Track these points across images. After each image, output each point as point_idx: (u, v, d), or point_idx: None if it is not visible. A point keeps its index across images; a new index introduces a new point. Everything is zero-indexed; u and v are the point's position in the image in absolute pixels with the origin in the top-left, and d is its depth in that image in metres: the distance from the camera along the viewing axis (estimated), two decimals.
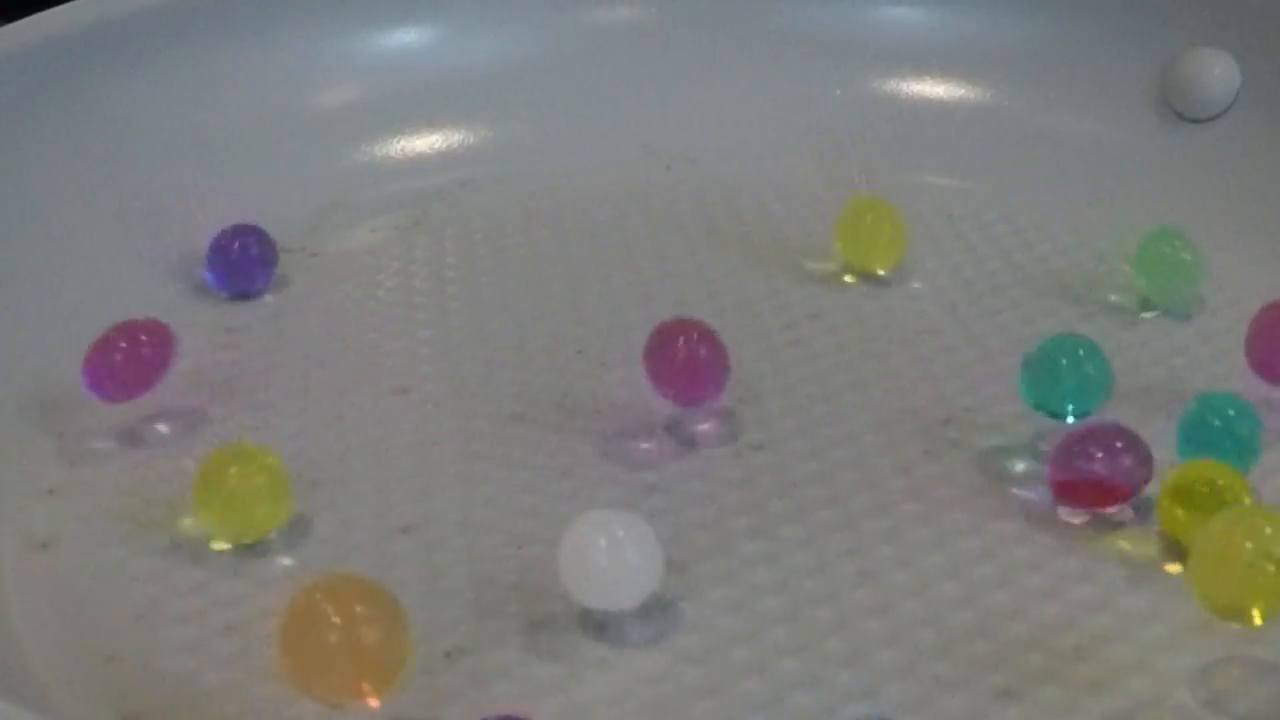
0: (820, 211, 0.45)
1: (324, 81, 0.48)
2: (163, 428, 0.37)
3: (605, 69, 0.50)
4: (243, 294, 0.42)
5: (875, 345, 0.40)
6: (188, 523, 0.34)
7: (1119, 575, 0.32)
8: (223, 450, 0.33)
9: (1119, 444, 0.33)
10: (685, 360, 0.36)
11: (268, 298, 0.42)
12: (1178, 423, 0.34)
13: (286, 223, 0.44)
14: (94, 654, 0.31)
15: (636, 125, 0.49)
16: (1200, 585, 0.30)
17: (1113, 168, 0.47)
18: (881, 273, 0.43)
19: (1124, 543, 0.33)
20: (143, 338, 0.36)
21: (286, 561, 0.33)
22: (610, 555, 0.30)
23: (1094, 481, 0.33)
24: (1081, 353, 0.36)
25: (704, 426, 0.37)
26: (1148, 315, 0.41)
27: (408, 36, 0.49)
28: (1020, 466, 0.35)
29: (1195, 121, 0.47)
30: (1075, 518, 0.34)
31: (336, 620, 0.27)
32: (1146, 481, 0.33)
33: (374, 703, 0.28)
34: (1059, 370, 0.35)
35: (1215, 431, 0.34)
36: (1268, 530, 0.29)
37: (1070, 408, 0.35)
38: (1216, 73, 0.47)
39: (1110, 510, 0.33)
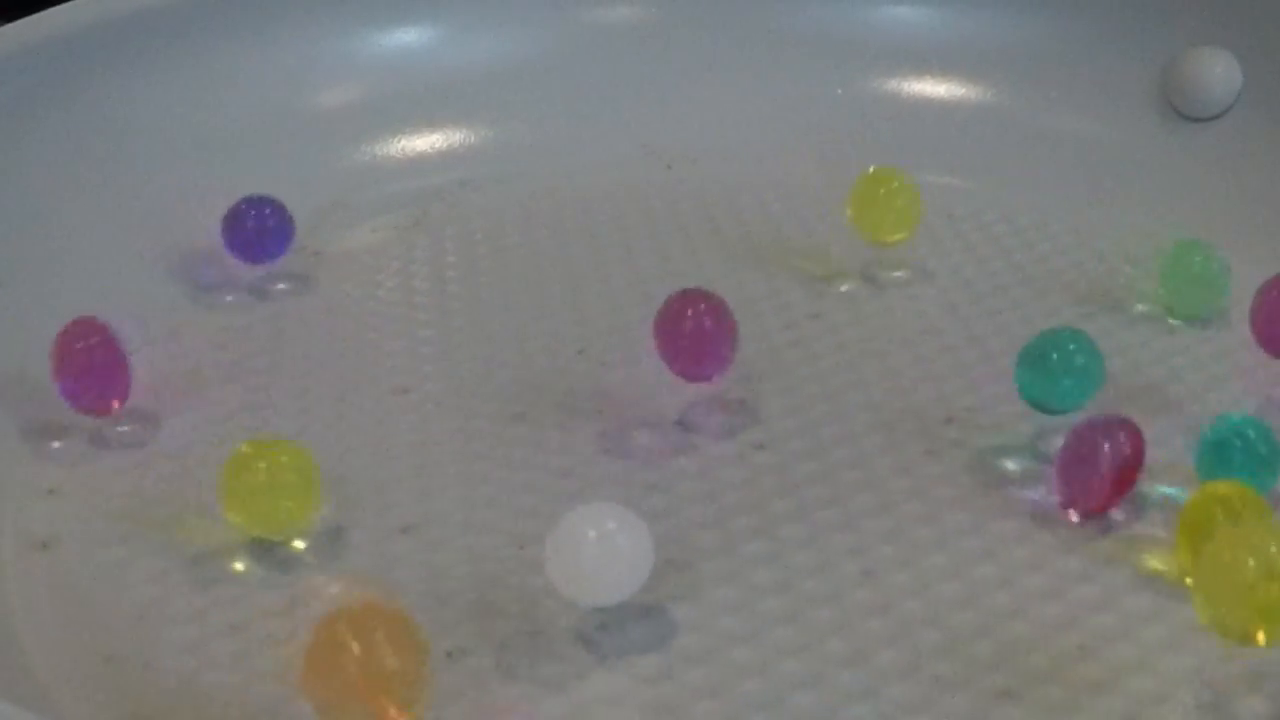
0: (820, 211, 0.45)
1: (324, 81, 0.48)
2: (163, 428, 0.37)
3: (605, 69, 0.50)
4: (259, 262, 0.42)
5: (876, 345, 0.40)
6: (189, 523, 0.34)
7: (1120, 575, 0.32)
8: (255, 444, 0.33)
9: (1120, 436, 0.33)
10: (693, 330, 0.36)
11: (280, 284, 0.42)
12: (1197, 443, 0.34)
13: None
14: (94, 654, 0.31)
15: (636, 125, 0.49)
16: (1203, 606, 0.29)
17: (1113, 168, 0.47)
18: (896, 239, 0.43)
19: (1125, 543, 0.33)
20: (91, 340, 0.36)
21: (287, 562, 0.33)
22: (599, 549, 0.30)
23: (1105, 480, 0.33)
24: (1073, 346, 0.35)
25: (705, 426, 0.37)
26: (1142, 308, 0.41)
27: (408, 36, 0.49)
28: (1021, 466, 0.35)
29: (1196, 121, 0.47)
30: (1070, 514, 0.34)
31: (358, 651, 0.27)
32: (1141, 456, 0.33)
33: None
34: (1051, 365, 0.35)
35: (1235, 451, 0.33)
36: (1273, 549, 0.28)
37: (1067, 402, 0.35)
38: (1218, 72, 0.47)
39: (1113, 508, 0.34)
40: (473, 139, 0.49)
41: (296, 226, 0.43)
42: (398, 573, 0.32)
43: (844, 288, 0.42)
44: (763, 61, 0.51)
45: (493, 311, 0.42)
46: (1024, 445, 0.36)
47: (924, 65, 0.51)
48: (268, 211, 0.42)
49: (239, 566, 0.33)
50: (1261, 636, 0.28)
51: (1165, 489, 0.34)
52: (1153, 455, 0.35)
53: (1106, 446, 0.33)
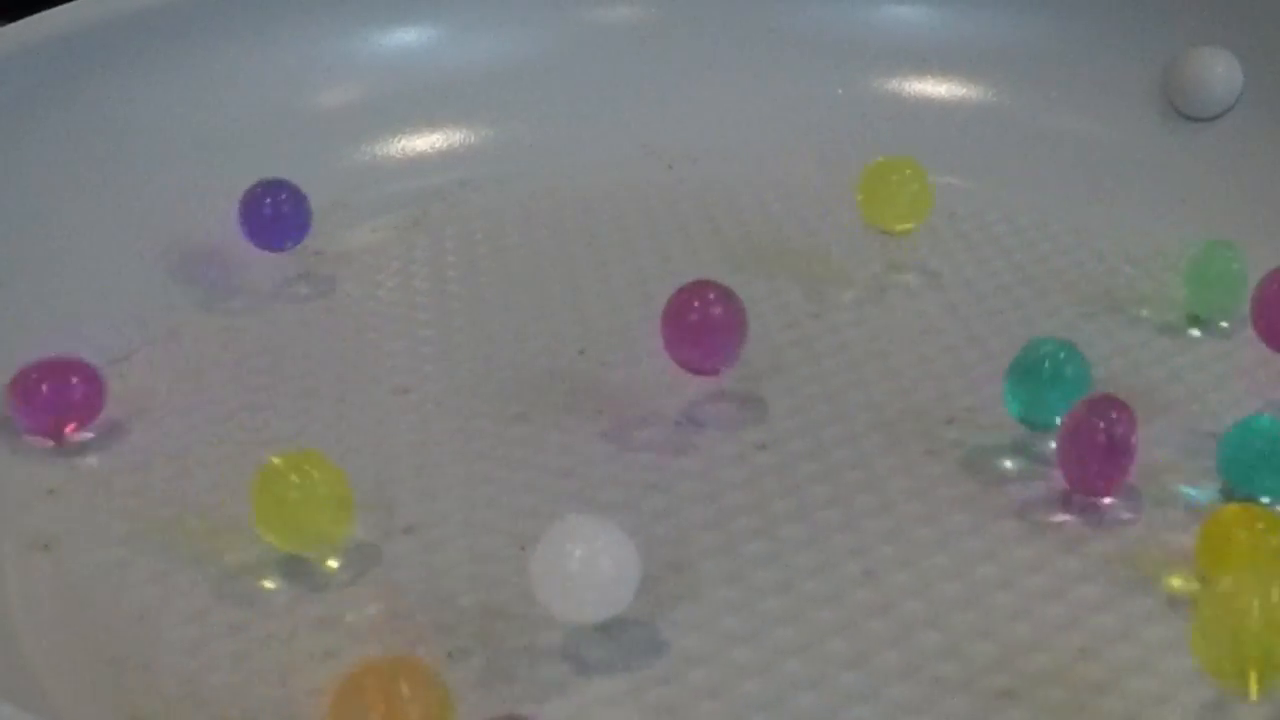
0: (820, 211, 0.45)
1: (324, 81, 0.48)
2: (162, 428, 0.37)
3: (605, 69, 0.50)
4: (275, 248, 0.42)
5: (876, 345, 0.40)
6: (190, 523, 0.34)
7: (1121, 575, 0.32)
8: (290, 458, 0.32)
9: (1112, 413, 0.33)
10: (700, 320, 0.36)
11: (281, 284, 0.42)
12: (1218, 447, 0.34)
13: None
14: (95, 655, 0.31)
15: (636, 125, 0.49)
16: (1199, 650, 0.28)
17: (1113, 168, 0.47)
18: (904, 228, 0.43)
19: (1126, 543, 0.33)
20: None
21: (287, 563, 0.33)
22: (580, 573, 0.29)
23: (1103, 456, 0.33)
24: (1063, 355, 0.35)
25: (706, 426, 0.37)
26: (1143, 313, 0.41)
27: (408, 36, 0.49)
28: (1021, 466, 0.35)
29: (1197, 121, 0.47)
30: (1071, 514, 0.34)
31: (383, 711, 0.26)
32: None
33: None
34: (1042, 375, 0.35)
35: (1260, 456, 0.33)
36: (1274, 596, 0.27)
37: (1055, 419, 0.35)
38: (1219, 72, 0.47)
39: (1110, 505, 0.34)
40: (473, 139, 0.49)
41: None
42: (398, 573, 0.32)
43: (844, 288, 0.42)
44: (763, 61, 0.51)
45: (493, 311, 0.42)
46: (1024, 445, 0.36)
47: (924, 65, 0.51)
48: (283, 197, 0.42)
49: (239, 567, 0.33)
50: (1254, 685, 0.27)
51: (1164, 489, 0.34)
52: (1153, 455, 0.35)
53: (1100, 424, 0.33)
